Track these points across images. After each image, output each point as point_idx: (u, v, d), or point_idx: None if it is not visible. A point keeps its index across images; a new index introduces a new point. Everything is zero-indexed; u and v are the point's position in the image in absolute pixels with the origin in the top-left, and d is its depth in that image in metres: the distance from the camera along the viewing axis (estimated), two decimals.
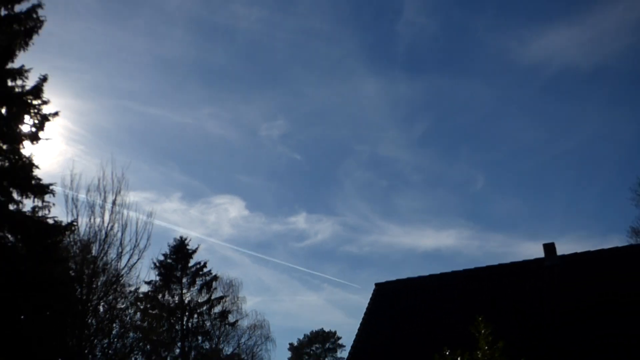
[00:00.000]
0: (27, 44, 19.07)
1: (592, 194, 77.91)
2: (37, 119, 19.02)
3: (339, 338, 73.21)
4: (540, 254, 18.95)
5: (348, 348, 19.87)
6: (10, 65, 18.87)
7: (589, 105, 75.66)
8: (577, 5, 77.70)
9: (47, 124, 19.17)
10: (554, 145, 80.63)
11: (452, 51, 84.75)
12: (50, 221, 18.97)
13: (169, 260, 42.04)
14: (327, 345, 73.89)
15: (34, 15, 19.13)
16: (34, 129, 19.00)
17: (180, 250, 42.55)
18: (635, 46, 73.44)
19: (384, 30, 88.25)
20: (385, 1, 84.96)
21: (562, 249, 18.81)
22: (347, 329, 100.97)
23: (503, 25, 79.18)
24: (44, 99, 19.08)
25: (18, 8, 19.21)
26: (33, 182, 18.68)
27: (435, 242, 79.26)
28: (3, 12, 19.08)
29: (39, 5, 19.17)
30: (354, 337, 19.08)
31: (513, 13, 78.89)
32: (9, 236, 18.37)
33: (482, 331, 10.75)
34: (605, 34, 73.22)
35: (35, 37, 19.23)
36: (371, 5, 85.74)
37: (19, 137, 18.86)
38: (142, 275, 42.72)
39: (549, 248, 18.82)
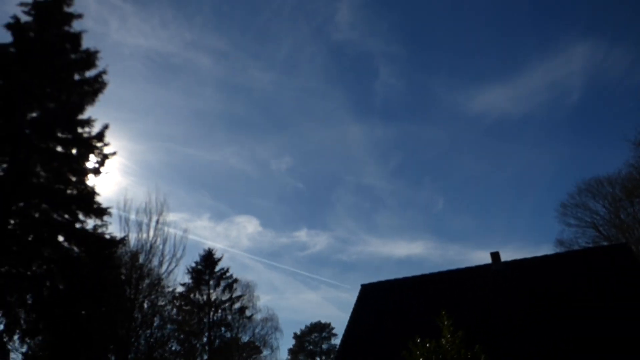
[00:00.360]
0: (94, 101, 19.17)
1: (525, 213, 78.03)
2: (100, 158, 18.96)
3: (332, 328, 71.93)
4: (488, 260, 18.84)
5: (340, 336, 19.46)
6: (80, 117, 18.93)
7: (519, 145, 76.83)
8: (507, 69, 79.72)
9: (107, 161, 19.10)
10: (495, 175, 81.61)
11: (416, 104, 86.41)
12: (107, 236, 18.69)
13: (199, 267, 41.47)
14: (323, 334, 72.47)
15: (100, 79, 19.28)
16: (97, 165, 18.90)
17: (208, 259, 42.03)
18: (552, 100, 75.18)
19: (365, 89, 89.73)
20: (365, 67, 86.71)
21: (505, 256, 18.71)
22: (339, 321, 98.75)
23: (454, 84, 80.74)
24: (105, 142, 19.05)
25: (88, 74, 19.40)
26: (95, 206, 18.50)
27: (407, 251, 78.49)
28: (77, 77, 19.26)
29: (104, 72, 19.39)
30: (345, 327, 18.75)
31: (461, 75, 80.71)
32: (75, 248, 18.08)
33: (445, 322, 10.55)
34: (529, 90, 74.79)
35: (100, 95, 19.39)
36: (354, 70, 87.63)
37: (85, 172, 18.76)
38: (178, 279, 42.63)
39: (495, 256, 18.69)
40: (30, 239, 17.08)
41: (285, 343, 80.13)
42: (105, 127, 19.16)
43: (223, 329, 40.81)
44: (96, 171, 18.89)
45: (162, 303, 30.90)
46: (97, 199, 18.70)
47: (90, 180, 18.87)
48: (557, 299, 14.96)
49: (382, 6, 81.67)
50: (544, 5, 73.67)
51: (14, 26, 18.28)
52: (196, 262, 41.39)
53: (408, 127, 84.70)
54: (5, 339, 16.37)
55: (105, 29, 60.35)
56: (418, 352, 10.28)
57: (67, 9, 19.45)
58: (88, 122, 18.91)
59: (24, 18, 18.61)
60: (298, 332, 72.40)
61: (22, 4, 18.72)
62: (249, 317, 43.45)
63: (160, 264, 28.03)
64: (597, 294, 14.46)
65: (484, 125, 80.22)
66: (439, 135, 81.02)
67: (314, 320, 72.63)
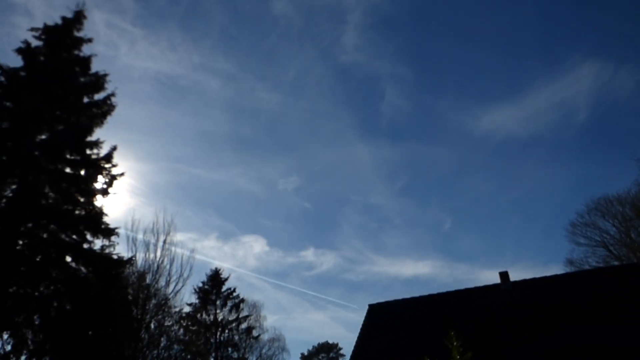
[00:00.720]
0: (102, 123, 19.42)
1: (534, 232, 77.45)
2: (108, 179, 19.07)
3: (340, 349, 70.96)
4: (497, 279, 18.64)
5: (348, 357, 19.21)
6: (89, 138, 19.15)
7: (526, 165, 76.75)
8: (514, 90, 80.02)
9: (115, 182, 19.16)
10: (502, 195, 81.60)
11: (422, 124, 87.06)
12: (115, 257, 18.67)
13: (206, 287, 41.36)
14: (330, 355, 71.43)
15: (108, 102, 19.54)
16: (105, 186, 18.97)
17: (215, 279, 41.92)
18: (558, 120, 75.26)
19: (371, 110, 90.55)
20: (372, 88, 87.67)
21: (514, 276, 18.50)
22: (347, 341, 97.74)
23: (461, 105, 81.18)
24: (113, 163, 19.15)
25: (97, 97, 19.68)
26: (102, 226, 18.55)
27: (415, 271, 77.63)
28: (86, 100, 19.60)
29: (113, 94, 19.67)
30: (353, 348, 18.52)
31: (468, 96, 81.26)
32: (82, 269, 18.10)
33: (454, 343, 10.41)
34: (536, 111, 74.97)
35: (108, 117, 19.62)
36: (361, 91, 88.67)
37: (94, 192, 18.88)
38: (185, 299, 42.69)
39: (504, 275, 18.49)
40: (38, 259, 17.16)
41: None
42: (114, 148, 19.38)
43: (230, 349, 40.42)
44: (104, 192, 19.03)
45: (169, 323, 30.87)
46: (105, 219, 18.77)
47: (99, 200, 18.95)
48: (567, 319, 14.71)
49: (388, 28, 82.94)
50: (551, 26, 74.42)
51: (25, 51, 18.72)
52: (203, 282, 41.36)
53: (415, 147, 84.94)
54: None
55: (114, 52, 61.75)
56: None
57: (77, 34, 19.91)
58: (96, 144, 19.13)
59: (35, 43, 19.05)
60: (305, 353, 71.53)
61: (32, 29, 19.19)
62: (256, 338, 43.06)
63: (167, 284, 28.03)
64: (609, 315, 14.20)
65: (491, 146, 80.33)
66: (446, 156, 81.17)
67: (322, 340, 71.90)
